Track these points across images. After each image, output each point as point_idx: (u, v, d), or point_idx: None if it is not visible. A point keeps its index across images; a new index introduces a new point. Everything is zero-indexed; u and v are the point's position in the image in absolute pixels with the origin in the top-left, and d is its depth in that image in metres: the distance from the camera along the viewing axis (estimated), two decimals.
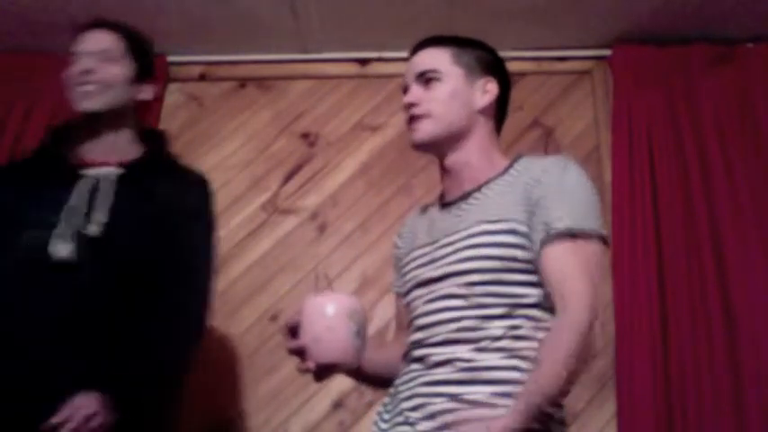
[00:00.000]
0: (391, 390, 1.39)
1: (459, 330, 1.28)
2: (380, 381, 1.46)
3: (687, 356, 2.09)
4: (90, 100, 1.66)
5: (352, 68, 2.61)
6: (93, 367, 1.46)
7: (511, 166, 1.42)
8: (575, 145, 2.49)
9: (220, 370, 2.25)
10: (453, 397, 1.24)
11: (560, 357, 1.18)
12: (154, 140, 1.78)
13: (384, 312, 2.29)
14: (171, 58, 2.58)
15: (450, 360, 1.27)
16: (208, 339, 2.26)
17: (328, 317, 1.23)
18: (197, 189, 1.76)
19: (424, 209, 1.57)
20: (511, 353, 1.25)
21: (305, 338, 1.23)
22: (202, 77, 2.64)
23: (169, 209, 1.64)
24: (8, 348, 1.49)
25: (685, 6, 2.34)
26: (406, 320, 1.48)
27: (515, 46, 2.51)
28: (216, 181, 2.48)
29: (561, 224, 1.25)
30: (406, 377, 1.34)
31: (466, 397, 1.23)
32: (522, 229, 1.29)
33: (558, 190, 1.30)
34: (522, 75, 2.54)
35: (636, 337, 2.10)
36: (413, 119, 1.45)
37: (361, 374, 1.44)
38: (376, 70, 2.59)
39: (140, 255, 1.58)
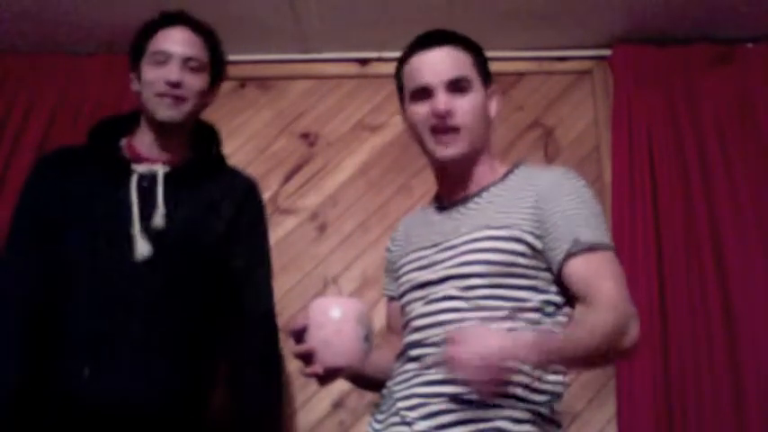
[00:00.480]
0: (384, 391, 1.38)
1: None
2: (375, 383, 1.45)
3: (687, 356, 2.09)
4: (172, 111, 1.62)
5: (352, 68, 2.61)
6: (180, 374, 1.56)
7: (511, 171, 1.42)
8: (575, 145, 2.49)
9: (220, 370, 2.24)
10: (452, 397, 1.23)
11: (599, 331, 1.18)
12: (206, 139, 1.76)
13: (384, 312, 2.28)
14: None
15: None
16: None
17: (337, 320, 1.22)
18: (250, 196, 1.77)
19: (418, 212, 1.57)
20: None
21: (312, 342, 1.22)
22: None
23: (218, 213, 1.67)
24: (108, 352, 1.52)
25: (685, 6, 2.34)
26: (397, 324, 1.47)
27: (515, 46, 2.52)
28: None
29: (580, 240, 1.27)
30: (400, 377, 1.34)
31: (465, 397, 1.22)
32: (528, 238, 1.29)
33: (571, 206, 1.30)
34: (522, 75, 2.54)
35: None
36: (445, 130, 1.37)
37: (359, 378, 1.43)
38: (376, 70, 2.59)
39: (204, 245, 1.63)
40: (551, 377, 1.27)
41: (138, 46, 1.67)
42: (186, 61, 1.63)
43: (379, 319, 2.25)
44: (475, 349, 1.07)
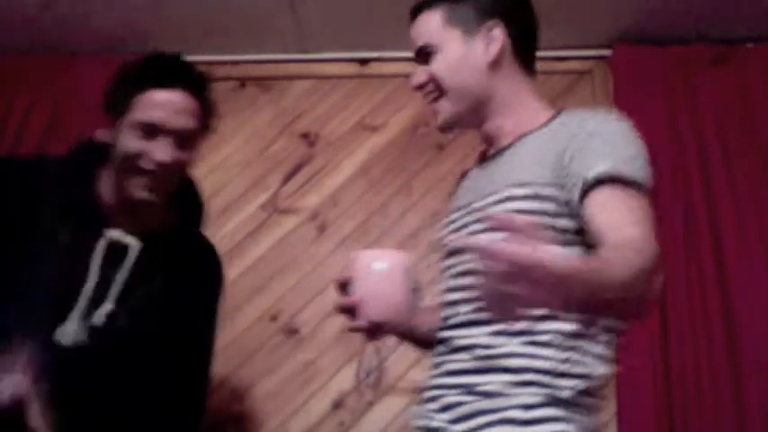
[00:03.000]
0: (429, 372, 1.30)
1: (477, 311, 1.15)
2: (427, 343, 1.33)
3: (687, 356, 2.09)
4: (152, 195, 1.39)
5: (352, 68, 2.61)
6: None
7: (551, 119, 1.27)
8: None
9: (220, 370, 2.25)
10: (467, 388, 1.17)
11: (627, 269, 0.96)
12: (188, 208, 1.55)
13: None
14: None
15: (469, 346, 1.18)
16: None
17: (382, 271, 1.15)
18: (212, 278, 1.61)
19: (466, 172, 1.46)
20: (531, 336, 1.14)
21: (357, 294, 1.15)
22: None
23: (180, 299, 1.48)
24: None
25: (685, 6, 2.34)
26: None
27: None
28: (216, 181, 2.51)
29: (599, 169, 1.10)
30: (433, 360, 1.27)
31: (480, 388, 1.15)
32: (545, 191, 1.15)
33: (593, 138, 1.15)
34: None
35: (636, 336, 2.10)
36: (430, 101, 1.31)
37: (409, 334, 1.33)
38: (376, 70, 2.59)
39: (141, 347, 1.44)
40: (581, 361, 1.14)
41: (118, 94, 1.40)
42: (180, 135, 1.38)
43: None
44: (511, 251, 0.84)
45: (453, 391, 1.19)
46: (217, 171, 2.49)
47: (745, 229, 2.19)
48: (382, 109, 2.56)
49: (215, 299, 1.61)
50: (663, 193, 2.26)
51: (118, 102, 1.38)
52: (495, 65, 1.28)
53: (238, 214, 2.44)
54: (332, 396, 2.21)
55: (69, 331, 1.36)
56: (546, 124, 1.26)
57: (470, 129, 1.37)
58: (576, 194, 1.12)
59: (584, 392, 1.15)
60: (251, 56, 2.61)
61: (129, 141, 1.35)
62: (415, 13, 1.35)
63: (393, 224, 2.40)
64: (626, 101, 2.39)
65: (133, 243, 1.42)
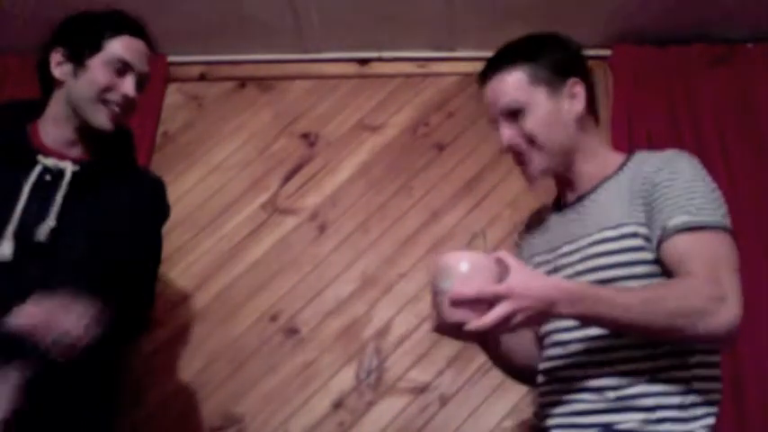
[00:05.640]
0: (546, 410, 1.35)
1: (597, 351, 1.26)
2: (508, 362, 1.43)
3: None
4: (111, 123, 1.55)
5: (352, 68, 2.61)
6: None
7: (624, 164, 1.37)
8: None
9: (220, 370, 2.25)
10: (606, 427, 1.23)
11: (661, 304, 1.15)
12: (118, 139, 1.64)
13: (384, 313, 2.29)
14: (171, 58, 2.57)
15: (598, 388, 1.25)
16: (207, 339, 2.27)
17: (464, 274, 1.14)
18: (150, 192, 1.69)
19: (536, 215, 1.54)
20: (656, 374, 1.22)
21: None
22: (202, 77, 2.64)
23: (119, 216, 1.56)
24: None
25: (685, 7, 2.34)
26: None
27: None
28: (216, 181, 2.51)
29: (675, 221, 1.21)
30: (551, 398, 1.32)
31: (618, 426, 1.22)
32: (643, 231, 1.25)
33: (670, 188, 1.24)
34: None
35: None
36: (520, 157, 1.38)
37: (490, 346, 1.40)
38: (376, 70, 2.60)
39: (86, 266, 1.49)
40: (704, 390, 1.24)
41: (89, 36, 1.56)
42: (141, 78, 1.58)
43: (380, 319, 2.28)
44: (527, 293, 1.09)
45: (591, 430, 1.24)
46: (217, 171, 2.49)
47: (745, 228, 2.19)
48: (382, 109, 2.56)
49: (155, 207, 1.70)
50: None
51: (87, 41, 1.55)
52: (579, 119, 1.38)
53: (238, 214, 2.44)
54: (332, 396, 2.21)
55: (5, 249, 1.44)
56: (621, 168, 1.36)
57: (557, 177, 1.44)
58: (654, 239, 1.24)
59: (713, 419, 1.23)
60: (251, 56, 2.61)
61: (101, 75, 1.53)
62: (492, 72, 1.40)
63: (393, 224, 2.40)
64: (626, 101, 2.39)
65: (69, 166, 1.53)
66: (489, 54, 1.46)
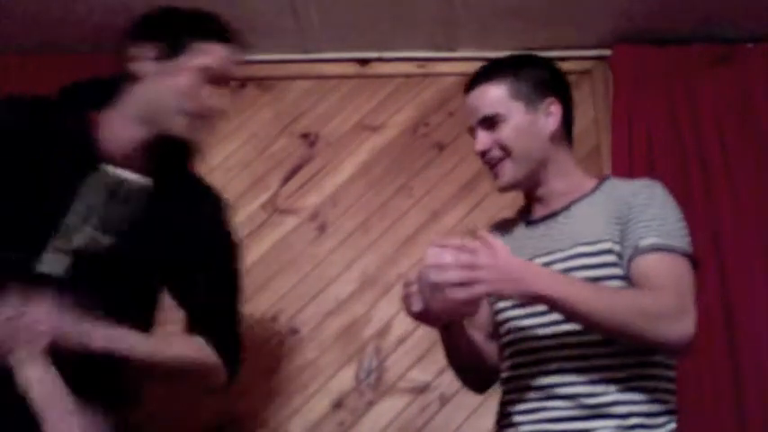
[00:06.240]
0: (516, 417, 1.38)
1: (570, 359, 1.30)
2: (459, 353, 1.48)
3: (687, 356, 2.09)
4: (195, 135, 1.44)
5: (352, 68, 2.61)
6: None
7: (598, 187, 1.44)
8: (575, 145, 2.45)
9: None
10: None
11: (620, 303, 1.21)
12: (185, 150, 1.51)
13: (384, 312, 2.29)
14: None
15: (571, 395, 1.29)
16: None
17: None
18: (218, 214, 1.57)
19: (502, 224, 1.59)
20: (628, 383, 1.28)
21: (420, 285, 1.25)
22: None
23: (191, 241, 1.46)
24: None
25: (685, 6, 2.34)
26: (484, 324, 1.50)
27: (515, 46, 2.49)
28: (216, 181, 2.49)
29: (647, 241, 1.28)
30: (523, 405, 1.35)
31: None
32: (617, 248, 1.32)
33: (644, 212, 1.32)
34: None
35: None
36: (491, 165, 1.47)
37: (453, 333, 1.44)
38: (376, 70, 2.59)
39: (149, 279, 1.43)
40: (669, 399, 1.32)
41: (180, 36, 1.41)
42: (227, 87, 1.47)
43: (380, 319, 2.28)
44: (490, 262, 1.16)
45: None
46: (217, 171, 2.48)
47: (745, 228, 2.19)
48: (382, 109, 2.56)
49: (222, 222, 1.57)
50: None
51: (177, 41, 1.39)
52: (552, 136, 1.45)
53: (238, 214, 2.44)
54: (332, 396, 2.21)
55: (51, 260, 1.32)
56: (594, 191, 1.43)
57: (523, 190, 1.51)
58: (626, 256, 1.31)
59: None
60: (251, 56, 2.60)
61: (187, 80, 1.38)
62: (476, 83, 1.48)
63: (393, 224, 2.40)
64: (626, 101, 2.39)
65: (130, 176, 1.39)
66: (489, 54, 1.49)
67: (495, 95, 1.44)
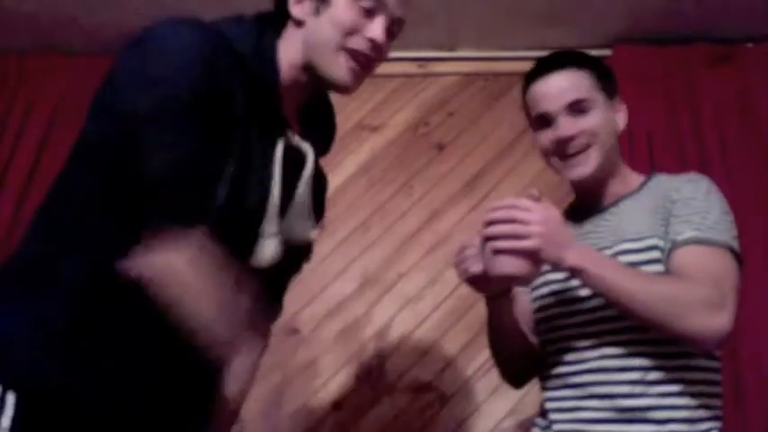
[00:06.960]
0: (552, 415, 1.36)
1: (609, 357, 1.28)
2: (500, 330, 1.44)
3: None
4: (356, 81, 1.30)
5: None
6: None
7: (644, 183, 1.43)
8: None
9: None
10: None
11: (656, 289, 1.19)
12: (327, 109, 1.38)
13: (384, 312, 2.29)
14: None
15: (608, 395, 1.26)
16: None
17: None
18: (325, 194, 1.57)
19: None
20: (668, 386, 1.24)
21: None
22: None
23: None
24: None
25: (685, 6, 2.34)
26: (527, 317, 1.47)
27: (516, 46, 2.51)
28: None
29: (685, 235, 1.25)
30: (559, 404, 1.34)
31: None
32: (662, 244, 1.29)
33: (687, 205, 1.30)
34: (523, 75, 2.54)
35: None
36: (571, 154, 1.38)
37: (500, 307, 1.40)
38: (376, 70, 2.59)
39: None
40: (711, 405, 1.27)
41: None
42: (393, 22, 1.24)
43: (380, 319, 2.28)
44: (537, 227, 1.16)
45: None
46: None
47: (745, 228, 2.18)
48: (382, 109, 2.56)
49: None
50: None
51: None
52: (619, 135, 1.44)
53: None
54: (332, 396, 2.21)
55: (267, 251, 1.17)
56: (641, 188, 1.41)
57: (590, 185, 1.42)
58: (665, 250, 1.28)
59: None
60: None
61: (347, 13, 1.17)
62: (558, 67, 1.42)
63: (393, 223, 2.40)
64: (626, 101, 2.38)
65: (308, 149, 1.27)
66: (489, 54, 1.47)
67: (584, 81, 1.39)
